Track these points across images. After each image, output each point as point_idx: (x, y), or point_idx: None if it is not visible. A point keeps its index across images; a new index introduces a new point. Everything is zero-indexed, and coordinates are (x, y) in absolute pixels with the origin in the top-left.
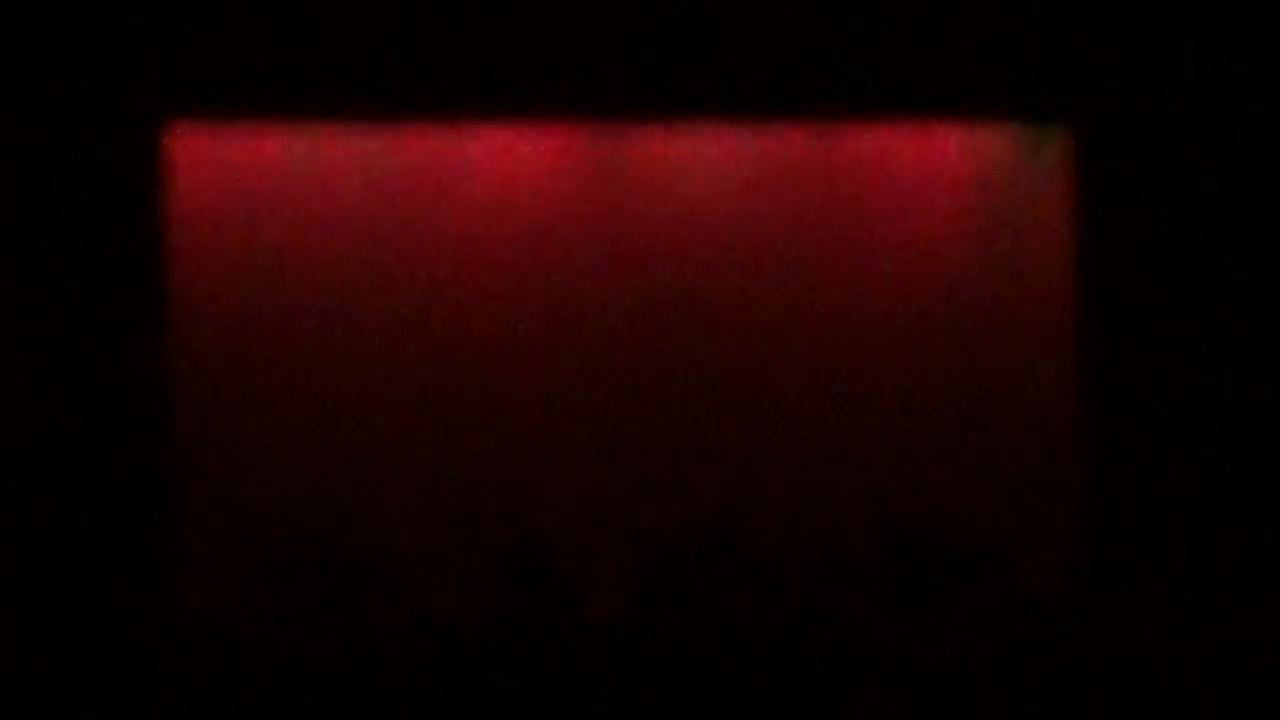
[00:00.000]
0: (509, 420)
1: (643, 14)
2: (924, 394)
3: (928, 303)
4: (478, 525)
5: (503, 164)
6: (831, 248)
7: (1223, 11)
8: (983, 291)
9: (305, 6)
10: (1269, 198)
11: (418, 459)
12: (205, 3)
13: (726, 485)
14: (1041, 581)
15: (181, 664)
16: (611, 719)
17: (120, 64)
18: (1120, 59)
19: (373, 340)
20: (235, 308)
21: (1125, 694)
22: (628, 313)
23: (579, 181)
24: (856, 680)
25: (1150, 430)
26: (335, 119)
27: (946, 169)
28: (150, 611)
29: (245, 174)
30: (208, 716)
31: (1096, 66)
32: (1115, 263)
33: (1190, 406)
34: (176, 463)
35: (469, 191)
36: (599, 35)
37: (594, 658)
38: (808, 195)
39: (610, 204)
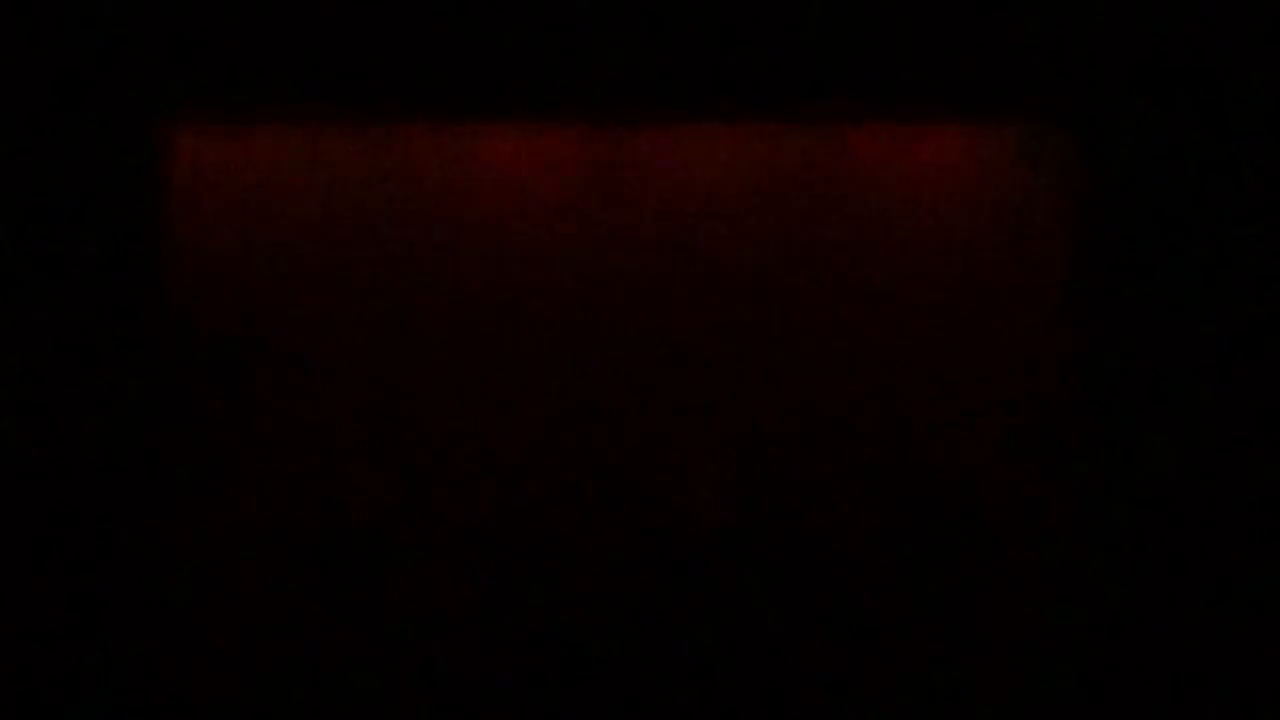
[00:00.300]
0: (512, 416)
1: (645, 17)
2: (923, 383)
3: (928, 297)
4: (475, 521)
5: (505, 164)
6: (833, 246)
7: (1221, 14)
8: (981, 287)
9: (307, 10)
10: (1267, 196)
11: (423, 456)
12: (207, 6)
13: (729, 473)
14: (1037, 562)
15: (179, 659)
16: (620, 709)
17: (123, 66)
18: (1120, 61)
19: (373, 337)
20: (236, 304)
21: (1121, 675)
22: (634, 307)
23: (582, 182)
24: (860, 656)
25: (1146, 421)
26: (337, 120)
27: (946, 168)
28: (148, 609)
29: (246, 174)
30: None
31: (1096, 68)
32: (1112, 259)
33: (1187, 399)
34: (175, 457)
35: (472, 190)
36: (601, 38)
37: (592, 653)
38: (809, 194)
39: (612, 205)
